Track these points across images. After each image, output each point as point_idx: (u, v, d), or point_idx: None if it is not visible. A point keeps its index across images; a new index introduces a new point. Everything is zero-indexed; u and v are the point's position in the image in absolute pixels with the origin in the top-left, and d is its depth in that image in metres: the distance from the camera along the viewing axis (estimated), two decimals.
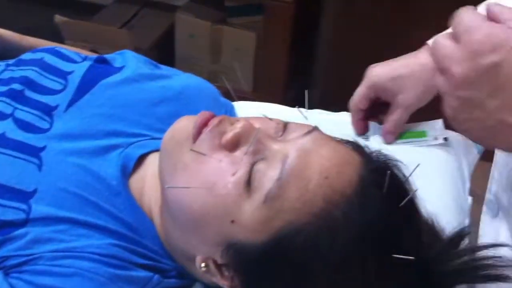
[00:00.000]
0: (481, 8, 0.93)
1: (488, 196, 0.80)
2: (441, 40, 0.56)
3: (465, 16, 0.55)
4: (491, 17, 0.56)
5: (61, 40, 1.97)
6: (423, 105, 0.93)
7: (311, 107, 1.05)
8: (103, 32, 2.01)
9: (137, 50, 2.03)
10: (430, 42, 0.92)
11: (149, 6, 2.31)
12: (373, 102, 0.94)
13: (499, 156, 0.79)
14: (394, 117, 0.93)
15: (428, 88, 0.90)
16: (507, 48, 0.52)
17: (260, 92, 1.99)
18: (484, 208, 0.81)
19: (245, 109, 0.98)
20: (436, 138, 0.96)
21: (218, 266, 0.67)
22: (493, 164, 0.80)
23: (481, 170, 1.06)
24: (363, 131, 0.97)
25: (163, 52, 2.13)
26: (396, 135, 0.95)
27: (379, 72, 0.92)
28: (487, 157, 0.89)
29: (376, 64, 0.94)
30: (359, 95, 0.93)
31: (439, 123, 0.99)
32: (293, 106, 0.90)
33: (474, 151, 1.00)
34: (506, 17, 0.55)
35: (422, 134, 0.98)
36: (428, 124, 0.99)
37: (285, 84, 2.04)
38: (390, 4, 1.85)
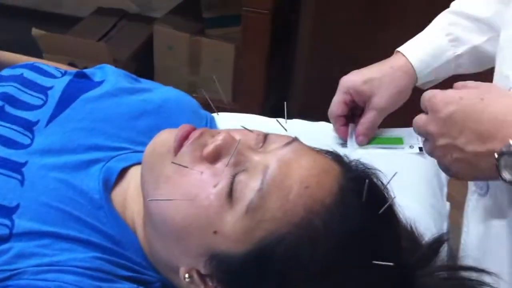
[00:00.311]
0: (443, 15, 0.96)
1: None
2: (417, 116, 0.73)
3: (426, 94, 0.71)
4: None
5: (39, 53, 1.97)
6: (396, 109, 0.97)
7: (290, 117, 1.07)
8: (81, 45, 2.02)
9: (115, 62, 2.05)
10: (399, 49, 0.97)
11: (127, 18, 2.32)
12: (350, 108, 0.98)
13: None
14: (367, 119, 0.96)
15: (400, 89, 0.95)
16: (456, 100, 0.67)
17: (240, 103, 2.01)
18: (473, 188, 0.84)
19: (225, 120, 0.98)
20: (411, 147, 0.98)
21: (202, 277, 0.68)
22: None
23: None
24: (346, 135, 1.00)
25: (142, 64, 2.13)
26: (369, 137, 0.98)
27: (352, 78, 0.96)
28: None
29: (349, 74, 0.98)
30: (336, 102, 0.97)
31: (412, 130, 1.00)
32: (272, 116, 0.92)
33: None
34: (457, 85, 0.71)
35: (399, 141, 1.00)
36: (405, 131, 1.01)
37: (264, 95, 2.05)
38: (367, 14, 1.88)
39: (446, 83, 0.97)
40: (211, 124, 0.95)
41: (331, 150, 0.73)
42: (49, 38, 2.02)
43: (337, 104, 0.97)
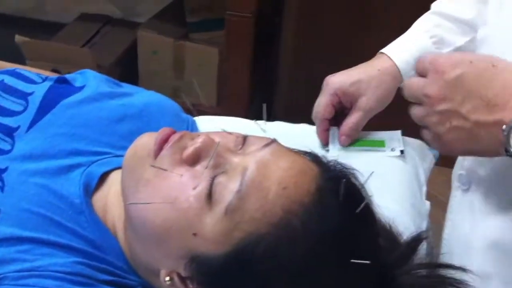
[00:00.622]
0: (426, 17, 0.95)
1: (460, 172, 0.84)
2: (411, 79, 0.70)
3: (426, 57, 0.68)
4: None
5: (22, 60, 1.96)
6: (380, 110, 0.97)
7: (276, 119, 1.07)
8: (65, 51, 2.02)
9: (99, 67, 2.05)
10: (383, 50, 0.97)
11: (111, 24, 2.32)
12: (336, 110, 0.97)
13: None
14: (352, 120, 0.95)
15: (387, 92, 0.95)
16: (465, 63, 0.63)
17: (224, 107, 2.01)
18: (456, 184, 0.84)
19: (207, 124, 0.99)
20: (393, 150, 0.99)
21: (183, 279, 0.68)
22: None
23: (441, 175, 1.09)
24: (328, 141, 0.98)
25: (126, 69, 2.13)
26: (352, 138, 0.98)
27: (339, 79, 0.95)
28: (447, 163, 0.93)
29: (333, 74, 0.97)
30: (323, 104, 0.95)
31: (398, 134, 1.02)
32: (257, 119, 0.91)
33: (430, 155, 1.03)
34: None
35: (381, 144, 1.01)
36: (387, 134, 1.02)
37: (248, 98, 2.06)
38: (350, 16, 1.89)
39: None
40: (193, 127, 0.95)
41: (309, 151, 0.74)
42: (32, 45, 2.01)
43: (324, 106, 0.95)
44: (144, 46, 2.10)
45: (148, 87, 0.98)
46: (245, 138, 0.72)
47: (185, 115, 0.95)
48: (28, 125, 0.79)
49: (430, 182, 1.03)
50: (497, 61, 0.64)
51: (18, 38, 2.00)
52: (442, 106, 0.64)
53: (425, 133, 0.70)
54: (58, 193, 0.73)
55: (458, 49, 0.95)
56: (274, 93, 2.13)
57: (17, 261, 0.66)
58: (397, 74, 0.95)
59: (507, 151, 0.61)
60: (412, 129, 1.06)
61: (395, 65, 0.95)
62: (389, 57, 0.96)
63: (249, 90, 2.06)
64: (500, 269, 0.76)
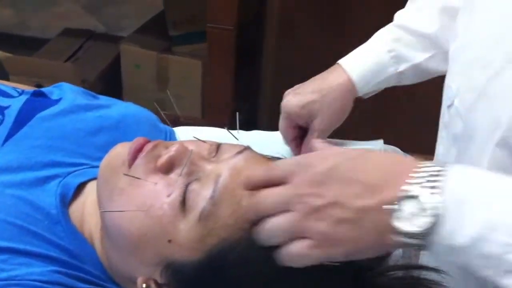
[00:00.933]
0: (387, 28, 0.95)
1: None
2: (267, 190, 0.61)
3: (286, 159, 0.70)
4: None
5: (5, 76, 1.97)
6: (338, 126, 0.96)
7: (261, 128, 1.10)
8: (48, 67, 2.03)
9: (83, 82, 2.06)
10: (340, 61, 0.95)
11: (94, 39, 2.33)
12: (299, 128, 0.96)
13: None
14: (310, 140, 0.93)
15: (341, 108, 0.93)
16: (336, 153, 0.62)
17: (209, 118, 2.02)
18: None
19: (188, 133, 1.00)
20: None
21: (159, 286, 0.69)
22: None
23: None
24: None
25: (110, 83, 2.14)
26: None
27: (291, 102, 0.94)
28: None
29: (289, 91, 0.96)
30: (283, 128, 0.96)
31: (380, 143, 1.04)
32: (241, 129, 0.90)
33: None
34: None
35: None
36: (370, 143, 1.04)
37: (233, 109, 2.08)
38: (330, 28, 1.92)
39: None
40: (171, 138, 0.96)
41: (282, 157, 0.75)
42: (15, 60, 2.02)
43: (284, 130, 0.96)
44: (127, 59, 2.11)
45: (132, 101, 1.00)
46: (218, 146, 0.73)
47: (162, 126, 0.97)
48: (4, 138, 0.80)
49: None
50: (364, 150, 0.66)
51: (0, 53, 2.01)
52: (320, 201, 0.58)
53: (302, 246, 0.59)
54: (35, 204, 0.74)
55: (416, 66, 0.94)
56: (258, 103, 2.15)
57: None
58: (351, 88, 0.93)
59: (394, 231, 0.56)
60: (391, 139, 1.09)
61: (351, 79, 0.93)
62: (344, 70, 0.94)
63: (233, 101, 2.07)
64: None
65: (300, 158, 0.63)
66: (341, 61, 0.95)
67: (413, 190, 0.56)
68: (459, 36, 0.80)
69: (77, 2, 3.10)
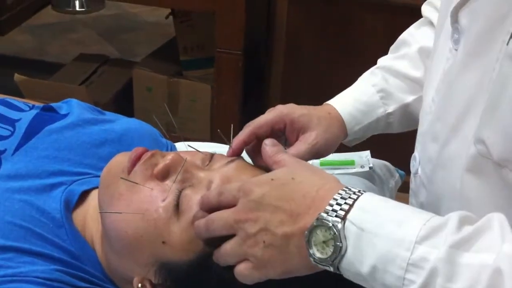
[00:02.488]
0: (374, 71, 0.94)
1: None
2: (218, 213, 0.68)
3: (232, 184, 0.70)
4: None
5: (21, 98, 2.04)
6: (320, 158, 0.89)
7: None
8: (62, 90, 2.08)
9: (96, 104, 2.11)
10: (329, 102, 0.91)
11: (108, 64, 2.40)
12: (269, 135, 0.82)
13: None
14: (295, 152, 0.81)
15: (333, 138, 0.86)
16: (267, 182, 0.66)
17: (218, 141, 2.06)
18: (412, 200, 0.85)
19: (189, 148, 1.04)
20: (362, 167, 1.06)
21: (153, 286, 0.74)
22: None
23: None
24: (238, 152, 0.80)
25: (122, 105, 2.20)
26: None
27: (292, 106, 0.86)
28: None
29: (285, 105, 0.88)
30: (264, 120, 0.82)
31: (366, 153, 1.09)
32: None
33: (396, 176, 1.09)
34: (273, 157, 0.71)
35: (351, 162, 1.07)
36: (357, 154, 1.09)
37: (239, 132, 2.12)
38: (336, 55, 1.97)
39: None
40: (172, 150, 1.01)
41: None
42: (31, 83, 2.09)
43: (264, 122, 0.82)
44: (139, 83, 2.17)
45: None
46: (212, 156, 0.78)
47: (164, 140, 1.02)
48: (14, 148, 0.86)
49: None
50: (297, 174, 0.66)
51: (17, 76, 2.08)
52: (254, 228, 0.64)
53: (244, 268, 0.66)
54: (41, 208, 0.79)
55: (406, 106, 0.92)
56: None
57: (1, 267, 0.72)
58: (343, 125, 0.89)
59: (310, 256, 0.61)
60: (378, 151, 1.13)
61: (341, 116, 0.89)
62: (334, 108, 0.89)
63: (241, 124, 2.12)
64: None
65: (242, 184, 0.67)
66: (330, 102, 0.91)
67: (326, 218, 0.60)
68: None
69: (93, 29, 3.19)
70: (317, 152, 0.84)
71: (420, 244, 0.56)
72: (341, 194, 0.62)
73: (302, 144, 0.82)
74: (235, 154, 0.79)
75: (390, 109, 0.92)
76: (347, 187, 0.63)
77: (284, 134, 0.85)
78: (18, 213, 0.77)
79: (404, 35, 0.97)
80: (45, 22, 3.19)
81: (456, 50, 0.70)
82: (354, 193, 0.62)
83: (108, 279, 0.79)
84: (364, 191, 0.63)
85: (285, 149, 0.79)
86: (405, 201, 0.81)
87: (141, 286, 0.74)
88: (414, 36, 0.95)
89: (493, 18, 0.62)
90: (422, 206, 0.80)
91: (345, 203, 0.61)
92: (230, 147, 0.79)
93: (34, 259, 0.74)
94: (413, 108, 0.92)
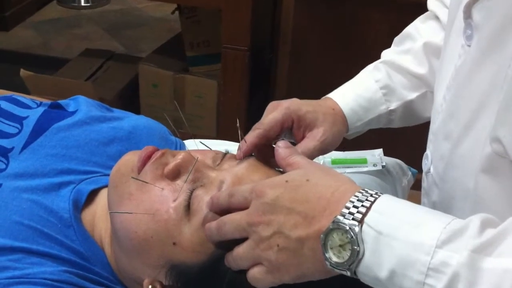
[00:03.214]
0: (377, 66, 0.92)
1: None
2: (229, 215, 0.67)
3: (244, 186, 0.68)
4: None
5: (27, 94, 2.03)
6: (326, 153, 0.87)
7: None
8: (68, 85, 2.08)
9: (102, 100, 2.10)
10: (330, 95, 0.90)
11: (113, 59, 2.39)
12: (279, 134, 0.82)
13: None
14: (304, 148, 0.81)
15: (338, 133, 0.85)
16: (281, 183, 0.64)
17: (224, 137, 2.05)
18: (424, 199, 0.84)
19: (199, 145, 1.03)
20: (375, 165, 1.04)
21: None
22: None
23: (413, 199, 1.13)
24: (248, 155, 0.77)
25: (128, 101, 2.20)
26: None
27: (297, 103, 0.84)
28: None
29: (289, 100, 0.86)
30: (274, 120, 0.80)
31: (379, 151, 1.07)
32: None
33: (409, 174, 1.08)
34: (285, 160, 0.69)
35: (363, 161, 1.06)
36: (369, 152, 1.07)
37: (247, 128, 2.11)
38: (341, 53, 1.96)
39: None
40: (181, 149, 1.00)
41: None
42: (36, 79, 2.08)
43: (274, 122, 0.79)
44: (145, 79, 2.17)
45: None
46: (224, 155, 0.77)
47: (173, 138, 1.01)
48: (22, 146, 0.84)
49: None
50: (312, 175, 0.64)
51: (23, 72, 2.07)
52: (268, 231, 0.63)
53: (257, 272, 0.65)
54: (49, 208, 0.78)
55: (408, 104, 0.91)
56: None
57: (9, 269, 0.71)
58: (345, 120, 0.88)
59: (326, 260, 0.60)
60: (390, 149, 1.12)
61: (342, 112, 0.88)
62: (336, 103, 0.88)
63: (247, 121, 2.11)
64: None
65: (254, 186, 0.66)
66: (331, 95, 0.90)
67: (342, 221, 0.59)
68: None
69: (98, 24, 3.18)
70: (326, 149, 0.84)
71: (440, 248, 0.55)
72: (357, 197, 0.60)
73: (311, 141, 0.82)
74: (245, 157, 0.76)
75: (393, 106, 0.91)
76: (363, 189, 0.61)
77: (289, 131, 0.83)
78: (26, 213, 0.76)
79: (409, 29, 0.95)
80: (50, 17, 3.18)
81: (469, 46, 0.68)
82: (371, 195, 0.60)
83: (117, 280, 0.78)
84: (381, 193, 0.61)
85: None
86: (417, 199, 0.82)
87: (152, 287, 0.72)
88: (419, 31, 0.93)
89: (510, 14, 0.61)
90: (434, 205, 0.79)
91: (362, 205, 0.59)
92: (239, 149, 0.77)
93: (42, 260, 0.73)
94: (416, 105, 0.91)
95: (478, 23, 0.66)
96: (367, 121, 0.90)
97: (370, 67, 0.94)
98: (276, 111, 0.81)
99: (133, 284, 0.76)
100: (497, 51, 0.63)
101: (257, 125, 0.80)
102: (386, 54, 0.95)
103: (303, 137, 0.82)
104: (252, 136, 0.78)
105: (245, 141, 0.77)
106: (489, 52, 0.64)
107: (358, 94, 0.89)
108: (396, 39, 0.97)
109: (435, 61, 0.90)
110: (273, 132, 0.80)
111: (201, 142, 0.78)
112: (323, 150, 0.83)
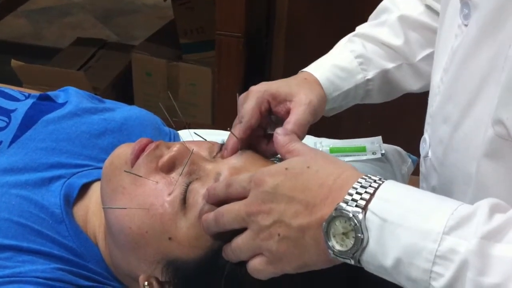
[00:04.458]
0: (351, 38, 0.90)
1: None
2: (226, 205, 0.65)
3: (243, 175, 0.66)
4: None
5: (18, 84, 2.00)
6: (313, 123, 0.79)
7: None
8: (60, 75, 2.05)
9: (95, 90, 2.08)
10: (304, 69, 0.86)
11: (106, 48, 2.36)
12: (261, 118, 0.78)
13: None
14: (296, 116, 0.75)
15: (318, 100, 0.80)
16: (281, 171, 0.62)
17: (219, 125, 2.03)
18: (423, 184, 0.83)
19: (192, 137, 1.01)
20: (374, 153, 1.02)
21: (160, 284, 0.70)
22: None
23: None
24: (235, 153, 0.74)
25: (121, 91, 2.17)
26: (301, 136, 0.75)
27: (265, 84, 0.80)
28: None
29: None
30: (251, 108, 0.76)
31: (378, 139, 1.05)
32: None
33: (408, 161, 1.06)
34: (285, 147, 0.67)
35: (362, 149, 1.04)
36: (368, 140, 1.05)
37: None
38: (337, 36, 1.93)
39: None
40: (175, 140, 0.98)
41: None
42: (28, 69, 2.05)
43: (250, 111, 0.75)
44: (138, 68, 2.13)
45: (143, 108, 1.01)
46: (221, 146, 0.74)
47: (167, 128, 0.98)
48: (10, 140, 0.82)
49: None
50: (312, 162, 0.62)
51: (13, 62, 2.04)
52: (268, 220, 0.61)
53: (258, 262, 0.63)
54: (39, 204, 0.75)
55: (385, 74, 0.88)
56: None
57: None
58: (321, 87, 0.83)
59: (329, 248, 0.58)
60: (391, 136, 1.10)
61: (319, 82, 0.83)
62: (311, 74, 0.84)
63: None
64: None
65: (252, 175, 0.63)
66: (306, 69, 0.86)
67: (345, 208, 0.57)
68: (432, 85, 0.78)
69: (90, 12, 3.14)
70: (315, 111, 0.78)
71: (448, 235, 0.53)
72: (360, 183, 0.58)
73: (298, 107, 0.76)
74: (233, 154, 0.73)
75: (370, 75, 0.87)
76: (366, 175, 0.59)
77: (271, 114, 0.79)
78: (15, 209, 0.73)
79: (385, 2, 0.93)
80: (41, 6, 3.14)
81: (466, 26, 0.66)
82: (375, 181, 0.58)
83: (112, 276, 0.76)
84: (385, 179, 0.59)
85: (280, 126, 0.74)
86: (416, 185, 0.79)
87: (148, 284, 0.70)
88: (395, 3, 0.91)
89: None
90: (433, 190, 0.77)
91: (366, 192, 0.57)
92: (225, 148, 0.74)
93: (33, 257, 0.70)
94: (393, 75, 0.89)
95: (476, 2, 0.63)
96: (345, 92, 0.85)
97: (343, 40, 0.91)
98: (248, 100, 0.77)
99: (129, 280, 0.74)
100: (496, 31, 0.61)
101: (236, 120, 0.77)
102: (360, 27, 0.93)
103: (287, 111, 0.77)
104: (236, 132, 0.75)
105: (235, 137, 0.74)
106: (487, 32, 0.62)
107: (333, 64, 0.86)
108: (372, 14, 0.95)
109: (411, 33, 0.88)
110: (254, 121, 0.76)
111: (195, 133, 0.75)
112: (313, 112, 0.77)
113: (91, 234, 0.77)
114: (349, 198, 0.57)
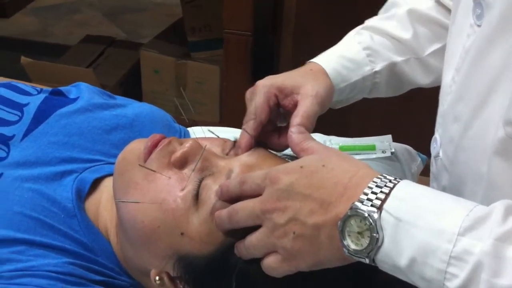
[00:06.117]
0: (359, 31, 0.90)
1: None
2: (240, 202, 0.65)
3: (257, 172, 0.66)
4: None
5: (27, 81, 2.01)
6: (321, 113, 0.78)
7: None
8: (69, 72, 2.06)
9: (103, 87, 2.07)
10: (312, 60, 0.85)
11: (114, 45, 2.36)
12: (271, 114, 0.77)
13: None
14: (303, 108, 0.74)
15: (326, 91, 0.79)
16: (296, 169, 0.62)
17: (227, 123, 2.03)
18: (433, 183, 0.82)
19: (202, 134, 1.01)
20: (384, 152, 1.02)
21: (172, 279, 0.71)
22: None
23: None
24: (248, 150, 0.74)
25: (130, 88, 2.17)
26: (309, 129, 0.74)
27: (271, 77, 0.79)
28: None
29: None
30: (261, 105, 0.76)
31: (388, 138, 1.05)
32: None
33: (418, 160, 1.05)
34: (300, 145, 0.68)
35: (372, 147, 1.04)
36: (378, 139, 1.05)
37: None
38: (344, 33, 1.93)
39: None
40: (185, 137, 0.98)
41: (295, 156, 0.76)
42: (37, 66, 2.06)
43: (259, 107, 0.75)
44: (146, 65, 2.14)
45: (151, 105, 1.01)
46: (233, 143, 0.74)
47: (177, 125, 0.98)
48: (23, 134, 0.82)
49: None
50: (327, 160, 0.62)
51: (23, 59, 2.04)
52: (283, 218, 0.61)
53: (272, 260, 0.63)
54: (51, 198, 0.76)
55: (393, 67, 0.87)
56: None
57: (12, 261, 0.69)
58: (328, 77, 0.81)
59: (344, 247, 0.58)
60: (400, 135, 1.10)
61: (326, 72, 0.82)
62: (318, 64, 0.83)
63: None
64: None
65: (267, 172, 0.64)
66: (312, 60, 0.85)
67: (360, 207, 0.57)
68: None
69: (99, 10, 3.15)
70: (322, 101, 0.77)
71: (463, 236, 0.53)
72: (376, 182, 0.58)
73: (305, 99, 0.75)
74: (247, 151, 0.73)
75: (377, 67, 0.86)
76: (382, 175, 0.59)
77: (279, 108, 0.78)
78: (28, 203, 0.74)
79: None
80: (50, 3, 3.15)
81: (478, 26, 0.66)
82: (390, 181, 0.58)
83: (123, 271, 0.76)
84: (401, 179, 0.59)
85: (287, 121, 0.76)
86: (426, 185, 0.79)
87: (159, 279, 0.71)
88: None
89: None
90: (444, 190, 0.76)
91: (381, 191, 0.57)
92: (239, 147, 0.73)
93: (45, 251, 0.71)
94: (401, 69, 0.88)
95: (489, 2, 0.63)
96: (352, 83, 0.84)
97: (352, 33, 0.91)
98: (256, 96, 0.77)
99: (140, 275, 0.74)
100: (509, 31, 0.60)
101: (246, 118, 0.76)
102: (369, 21, 0.92)
103: (295, 104, 0.76)
104: (248, 129, 0.75)
105: (248, 134, 0.74)
106: (501, 32, 0.62)
107: (341, 55, 0.85)
108: (382, 9, 0.95)
109: (420, 28, 0.88)
110: (264, 117, 0.75)
111: (209, 130, 0.75)
112: (321, 103, 0.77)
113: (103, 229, 0.77)
114: (365, 197, 0.57)
